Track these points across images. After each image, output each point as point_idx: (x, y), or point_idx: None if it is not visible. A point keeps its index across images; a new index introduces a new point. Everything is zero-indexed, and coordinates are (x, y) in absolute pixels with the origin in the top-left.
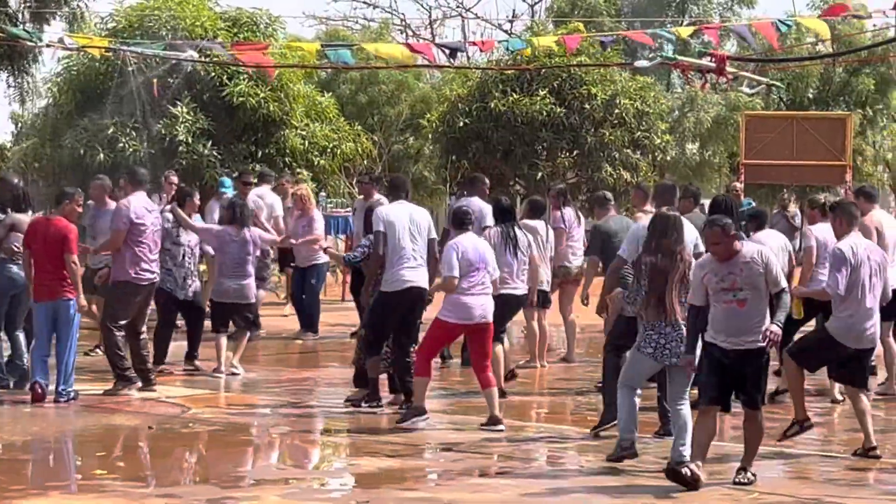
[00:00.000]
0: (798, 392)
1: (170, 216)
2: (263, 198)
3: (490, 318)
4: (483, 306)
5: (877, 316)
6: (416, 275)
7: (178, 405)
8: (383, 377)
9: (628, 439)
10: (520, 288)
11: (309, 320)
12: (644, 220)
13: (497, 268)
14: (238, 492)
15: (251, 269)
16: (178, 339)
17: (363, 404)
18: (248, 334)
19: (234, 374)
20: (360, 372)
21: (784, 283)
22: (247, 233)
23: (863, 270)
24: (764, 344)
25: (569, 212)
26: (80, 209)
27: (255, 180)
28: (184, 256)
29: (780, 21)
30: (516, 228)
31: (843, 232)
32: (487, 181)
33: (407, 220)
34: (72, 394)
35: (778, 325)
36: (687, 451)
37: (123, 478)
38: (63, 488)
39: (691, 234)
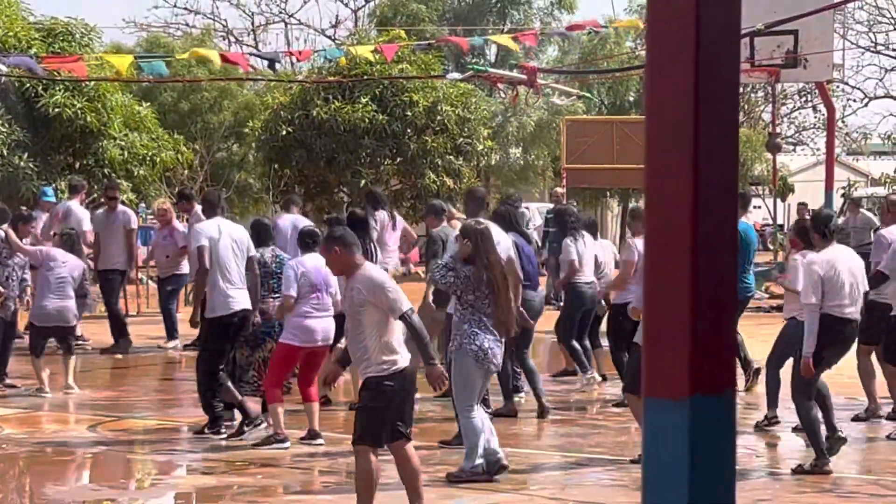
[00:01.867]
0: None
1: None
2: (72, 211)
3: (331, 341)
4: (325, 329)
5: None
6: (242, 295)
7: None
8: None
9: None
10: None
11: (169, 328)
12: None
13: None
14: None
15: (71, 291)
16: None
17: (246, 429)
18: (73, 357)
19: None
20: (207, 404)
21: (404, 306)
22: (73, 259)
23: None
24: (373, 374)
25: (381, 214)
26: None
27: (118, 194)
28: (7, 278)
29: (594, 29)
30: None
31: None
32: (300, 202)
33: (228, 238)
34: None
35: (431, 364)
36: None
37: None
38: None
39: (506, 241)
